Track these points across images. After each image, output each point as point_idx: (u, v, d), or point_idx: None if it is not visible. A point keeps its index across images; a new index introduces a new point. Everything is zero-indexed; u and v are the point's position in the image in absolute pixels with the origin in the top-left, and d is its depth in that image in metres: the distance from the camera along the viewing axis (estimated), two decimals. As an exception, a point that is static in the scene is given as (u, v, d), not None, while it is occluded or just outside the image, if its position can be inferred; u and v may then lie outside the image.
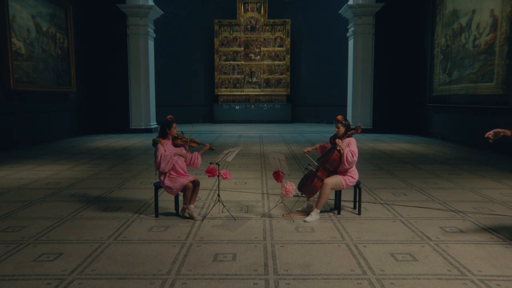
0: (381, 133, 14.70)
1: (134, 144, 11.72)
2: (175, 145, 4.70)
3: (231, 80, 20.36)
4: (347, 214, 4.83)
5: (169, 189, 4.57)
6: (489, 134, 3.67)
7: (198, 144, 4.81)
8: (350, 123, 4.83)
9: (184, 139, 4.73)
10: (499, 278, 3.16)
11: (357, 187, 4.83)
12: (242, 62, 20.27)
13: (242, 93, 20.41)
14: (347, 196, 5.41)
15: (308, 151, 4.98)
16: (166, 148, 4.58)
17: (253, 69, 20.37)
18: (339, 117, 4.75)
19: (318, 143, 5.22)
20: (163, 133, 4.69)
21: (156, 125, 15.54)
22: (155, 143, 4.57)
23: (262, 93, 20.39)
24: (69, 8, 12.92)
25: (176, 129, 4.71)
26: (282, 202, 4.93)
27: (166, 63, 19.39)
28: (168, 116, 4.74)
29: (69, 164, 8.30)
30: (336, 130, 4.73)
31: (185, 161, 4.72)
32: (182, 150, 4.72)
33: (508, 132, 3.59)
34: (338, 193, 4.88)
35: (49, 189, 6.07)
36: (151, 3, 14.54)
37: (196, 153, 4.79)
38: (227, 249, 3.72)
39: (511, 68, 9.40)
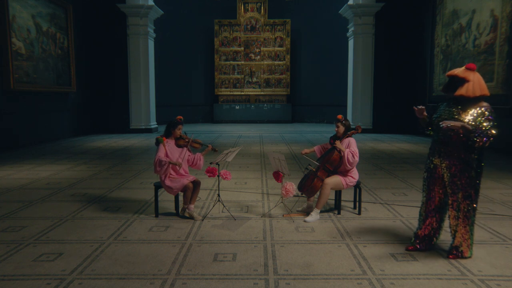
0: (381, 133, 14.70)
1: (134, 144, 11.71)
2: (178, 145, 4.70)
3: (231, 80, 20.34)
4: (347, 214, 4.83)
5: (169, 189, 4.58)
6: (419, 107, 3.62)
7: (200, 145, 4.80)
8: (351, 123, 4.82)
9: (186, 140, 4.74)
10: (499, 278, 3.16)
11: (357, 187, 4.83)
12: (242, 62, 20.25)
13: (242, 93, 20.39)
14: (347, 196, 5.41)
15: (306, 153, 4.94)
16: (168, 148, 4.60)
17: (253, 69, 20.36)
18: (339, 116, 4.73)
19: (318, 143, 5.22)
20: (168, 132, 4.72)
21: (156, 125, 15.56)
22: (158, 142, 4.60)
23: (262, 93, 20.38)
24: (69, 8, 12.91)
25: (180, 131, 4.72)
26: (282, 202, 4.93)
27: (166, 63, 19.36)
28: (178, 117, 4.78)
29: (69, 164, 8.30)
30: (336, 129, 4.72)
31: (188, 162, 4.75)
32: (183, 151, 4.73)
33: (426, 119, 3.67)
34: (338, 193, 4.88)
35: (49, 189, 6.07)
36: (151, 3, 14.54)
37: (198, 154, 4.84)
38: (227, 249, 3.72)
39: (511, 68, 9.39)
